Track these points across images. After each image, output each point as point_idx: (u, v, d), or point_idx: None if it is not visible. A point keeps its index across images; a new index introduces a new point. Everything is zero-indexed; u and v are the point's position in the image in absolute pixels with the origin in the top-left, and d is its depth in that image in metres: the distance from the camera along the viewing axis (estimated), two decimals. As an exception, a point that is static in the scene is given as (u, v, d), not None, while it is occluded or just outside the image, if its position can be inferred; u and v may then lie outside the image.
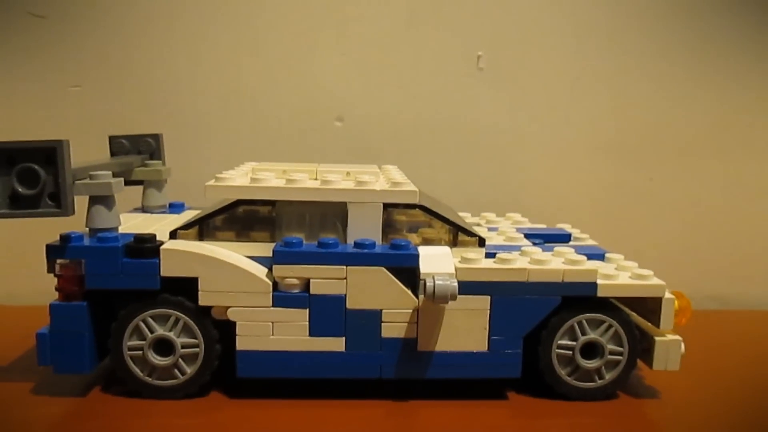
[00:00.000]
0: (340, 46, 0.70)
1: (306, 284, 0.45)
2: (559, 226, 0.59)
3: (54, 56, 0.69)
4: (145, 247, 0.44)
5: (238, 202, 0.46)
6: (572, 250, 0.48)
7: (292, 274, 0.44)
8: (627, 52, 0.72)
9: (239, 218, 0.47)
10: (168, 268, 0.44)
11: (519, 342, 0.46)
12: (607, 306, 0.46)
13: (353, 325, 0.45)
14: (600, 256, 0.50)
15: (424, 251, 0.45)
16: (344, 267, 0.44)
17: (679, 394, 0.49)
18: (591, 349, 0.46)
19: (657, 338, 0.46)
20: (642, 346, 0.47)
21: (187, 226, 0.47)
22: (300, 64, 0.70)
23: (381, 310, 0.45)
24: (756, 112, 0.73)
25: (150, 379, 0.45)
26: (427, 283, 0.43)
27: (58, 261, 0.44)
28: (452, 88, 0.71)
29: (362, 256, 0.45)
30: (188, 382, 0.46)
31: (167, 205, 0.59)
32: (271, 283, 0.45)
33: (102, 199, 0.45)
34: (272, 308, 0.45)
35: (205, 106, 0.70)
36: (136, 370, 0.45)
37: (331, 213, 0.47)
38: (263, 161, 0.62)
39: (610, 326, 0.46)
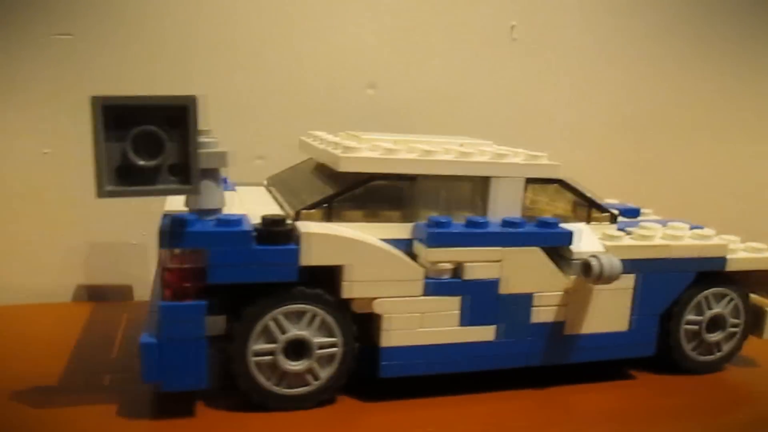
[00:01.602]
0: (373, 14, 0.64)
1: (457, 269, 0.40)
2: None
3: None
4: (282, 231, 0.36)
5: (373, 177, 0.40)
6: (687, 225, 0.48)
7: (446, 257, 0.39)
8: (646, 35, 0.73)
9: (369, 196, 0.40)
10: (309, 256, 0.37)
11: (656, 320, 0.45)
12: (729, 280, 0.47)
13: (505, 311, 0.41)
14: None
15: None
16: (500, 248, 0.40)
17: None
18: (714, 323, 0.47)
19: (769, 309, 0.48)
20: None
21: (312, 206, 0.39)
22: (332, 32, 0.63)
23: (532, 294, 0.42)
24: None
25: (278, 388, 0.38)
26: (593, 263, 0.40)
27: (174, 251, 0.35)
28: (484, 58, 0.68)
29: (518, 235, 0.41)
30: (322, 388, 0.39)
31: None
32: (423, 270, 0.39)
33: (212, 174, 0.36)
34: (422, 297, 0.39)
35: (234, 74, 0.61)
36: (262, 378, 0.38)
37: (470, 189, 0.42)
38: (296, 130, 0.56)
39: (731, 299, 0.47)
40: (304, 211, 0.39)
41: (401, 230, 0.41)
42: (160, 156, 0.33)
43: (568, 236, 0.42)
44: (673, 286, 0.45)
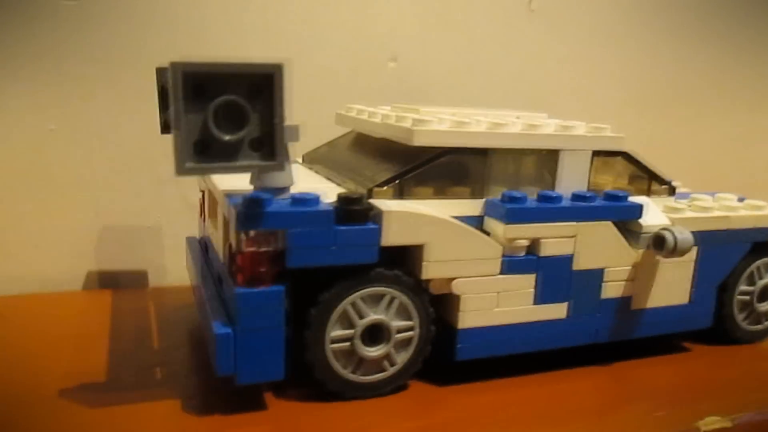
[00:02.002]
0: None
1: (532, 246, 0.39)
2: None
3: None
4: (362, 210, 0.34)
5: (444, 152, 0.38)
6: (734, 196, 0.48)
7: (524, 234, 0.38)
8: (666, 7, 0.73)
9: (439, 172, 0.38)
10: (390, 236, 0.35)
11: (714, 292, 0.45)
12: (776, 250, 0.47)
13: (577, 288, 0.40)
14: None
15: (633, 202, 0.42)
16: (574, 223, 0.39)
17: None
18: (764, 293, 0.47)
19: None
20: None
21: (384, 183, 0.37)
22: (353, 6, 0.60)
23: (603, 269, 0.41)
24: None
25: (354, 376, 0.36)
26: (667, 236, 0.40)
27: (249, 233, 0.32)
28: (502, 29, 0.66)
29: (592, 210, 0.39)
30: (399, 374, 0.37)
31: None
32: (500, 248, 0.37)
33: (283, 149, 0.34)
34: (499, 276, 0.38)
35: (250, 46, 0.57)
36: (338, 366, 0.35)
37: (538, 162, 0.41)
38: (318, 104, 0.53)
39: (775, 267, 0.47)
40: (376, 189, 0.37)
41: (471, 207, 0.39)
42: (244, 129, 0.30)
43: (639, 209, 0.41)
44: (731, 257, 0.45)
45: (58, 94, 0.53)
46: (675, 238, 0.39)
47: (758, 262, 0.46)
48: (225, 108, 0.29)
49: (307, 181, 0.41)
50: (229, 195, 0.34)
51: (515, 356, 0.40)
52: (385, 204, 0.35)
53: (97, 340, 0.43)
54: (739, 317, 0.47)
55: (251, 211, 0.32)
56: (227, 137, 0.29)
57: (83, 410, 0.34)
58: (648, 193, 0.44)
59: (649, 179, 0.44)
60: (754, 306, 0.47)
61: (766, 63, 0.80)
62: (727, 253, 0.44)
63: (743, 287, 0.46)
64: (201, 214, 0.48)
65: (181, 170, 0.29)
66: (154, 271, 0.58)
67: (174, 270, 0.58)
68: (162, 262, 0.58)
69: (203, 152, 0.30)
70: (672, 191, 0.45)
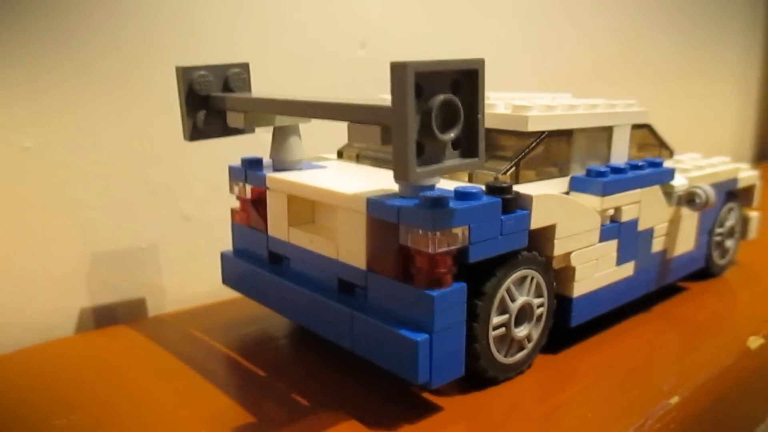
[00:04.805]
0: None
1: (615, 214, 0.43)
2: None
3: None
4: (515, 198, 0.35)
5: (546, 135, 0.40)
6: (698, 155, 0.57)
7: (614, 204, 0.42)
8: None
9: (537, 155, 0.40)
10: (537, 219, 0.36)
11: (707, 236, 0.54)
12: (735, 196, 0.57)
13: (640, 246, 0.45)
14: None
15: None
16: (640, 190, 0.44)
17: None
18: (730, 233, 0.57)
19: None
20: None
21: (506, 170, 0.38)
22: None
23: (653, 228, 0.46)
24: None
25: (506, 359, 0.37)
26: (699, 193, 0.47)
27: (437, 234, 0.31)
28: (472, 11, 0.69)
29: (649, 177, 0.45)
30: (534, 349, 0.39)
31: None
32: (600, 218, 0.41)
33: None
34: (599, 244, 0.41)
35: (219, 34, 0.52)
36: (497, 352, 0.36)
37: (598, 139, 0.45)
38: (287, 88, 0.52)
39: (733, 210, 0.57)
40: (501, 176, 0.38)
41: (561, 184, 0.42)
42: (456, 127, 0.29)
43: (673, 173, 0.47)
44: (718, 207, 0.54)
45: (32, 106, 0.43)
46: (706, 194, 0.47)
47: (725, 207, 0.56)
48: (445, 107, 0.28)
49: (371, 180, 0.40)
50: (373, 198, 0.33)
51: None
52: (529, 189, 0.36)
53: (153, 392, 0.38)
54: (715, 254, 0.56)
55: (441, 211, 0.31)
56: (445, 137, 0.28)
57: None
58: (659, 156, 0.51)
59: (660, 146, 0.51)
60: (724, 244, 0.57)
61: (724, 45, 0.96)
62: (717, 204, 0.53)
63: (718, 229, 0.56)
64: (249, 223, 0.44)
65: (412, 176, 0.27)
66: (152, 296, 0.51)
67: (173, 291, 0.52)
68: (161, 284, 0.52)
69: (420, 154, 0.28)
70: (671, 155, 0.53)
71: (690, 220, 0.50)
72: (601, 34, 0.89)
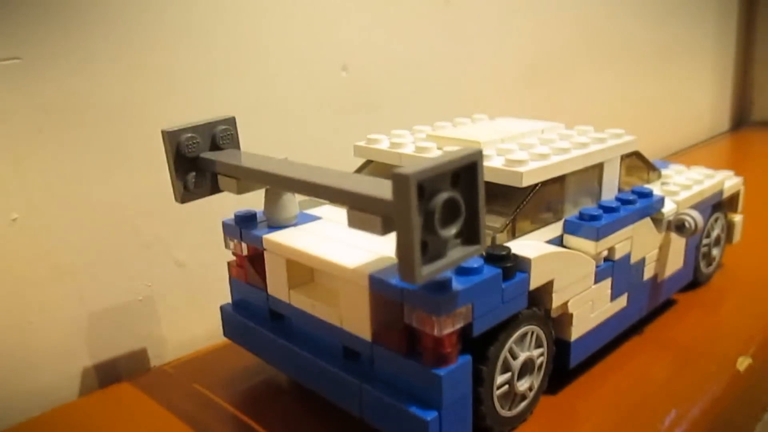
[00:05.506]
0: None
1: (608, 253, 0.44)
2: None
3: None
4: (515, 263, 0.35)
5: (540, 186, 0.40)
6: (682, 167, 0.58)
7: (608, 245, 0.43)
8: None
9: (531, 204, 0.41)
10: (536, 280, 0.37)
11: (695, 252, 0.55)
12: (720, 206, 0.58)
13: (632, 278, 0.46)
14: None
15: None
16: (632, 226, 0.45)
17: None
18: (717, 241, 0.58)
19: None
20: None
21: (503, 227, 0.38)
22: (302, 16, 0.57)
23: (645, 257, 0.47)
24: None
25: (510, 412, 0.38)
26: (688, 221, 0.47)
27: (446, 317, 0.32)
28: (420, 24, 0.68)
29: (640, 211, 0.45)
30: (535, 396, 0.40)
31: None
32: (594, 261, 0.42)
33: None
34: (594, 287, 0.42)
35: (201, 57, 0.51)
36: (501, 409, 0.37)
37: (590, 175, 0.45)
38: (267, 115, 0.53)
39: (718, 219, 0.59)
40: (498, 235, 0.38)
41: (555, 229, 0.42)
42: (457, 221, 0.29)
43: (663, 201, 0.48)
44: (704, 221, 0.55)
45: (15, 176, 0.43)
46: (695, 221, 0.47)
47: (711, 218, 0.57)
48: (447, 205, 0.28)
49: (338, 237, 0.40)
50: (376, 276, 0.33)
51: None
52: (526, 251, 0.37)
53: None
54: (702, 264, 0.58)
55: (447, 294, 0.32)
56: (448, 233, 0.29)
57: None
58: (648, 181, 0.52)
59: (648, 169, 0.52)
60: (710, 253, 0.58)
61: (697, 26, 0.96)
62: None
63: (705, 240, 0.57)
64: (247, 279, 0.44)
65: (419, 278, 0.28)
66: (153, 347, 0.51)
67: (173, 338, 0.52)
68: (160, 333, 0.52)
69: (424, 253, 0.28)
70: (659, 176, 0.53)
71: (679, 241, 0.52)
72: (583, 17, 0.89)
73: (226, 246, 0.45)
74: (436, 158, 0.28)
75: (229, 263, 0.46)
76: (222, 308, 0.46)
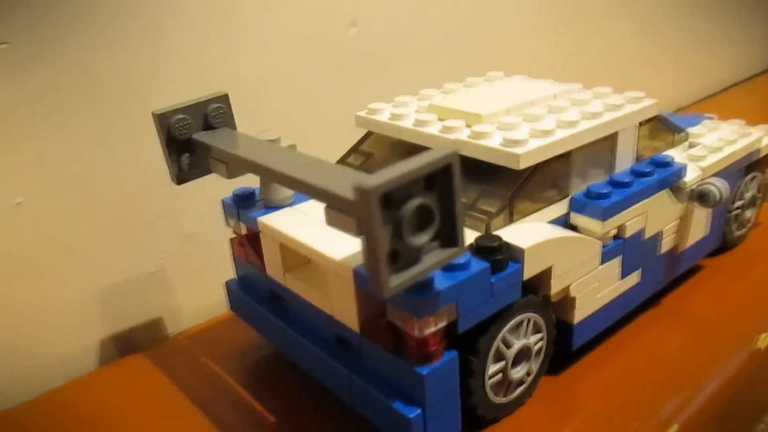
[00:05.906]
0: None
1: (618, 231, 0.41)
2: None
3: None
4: (507, 255, 0.34)
5: (541, 165, 0.38)
6: (721, 122, 0.53)
7: (616, 224, 0.40)
8: None
9: (533, 184, 0.38)
10: (530, 269, 0.35)
11: (723, 218, 0.52)
12: (758, 164, 0.54)
13: (645, 254, 0.44)
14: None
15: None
16: (646, 201, 0.42)
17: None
18: (752, 203, 0.55)
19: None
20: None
21: (499, 212, 0.37)
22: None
23: (662, 231, 0.45)
24: None
25: (505, 398, 0.38)
26: (712, 191, 0.44)
27: (427, 318, 0.31)
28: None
29: (656, 184, 0.43)
30: (534, 380, 0.39)
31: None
32: (599, 242, 0.40)
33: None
34: (600, 267, 0.40)
35: (207, 14, 0.49)
36: (494, 396, 0.37)
37: (602, 146, 0.42)
38: (271, 75, 0.51)
39: (755, 178, 0.55)
40: (494, 221, 0.36)
41: (560, 207, 0.40)
42: (430, 227, 0.28)
43: (684, 170, 0.45)
44: (733, 183, 0.51)
45: (17, 160, 0.43)
46: (719, 191, 0.44)
47: (746, 179, 0.53)
48: (419, 212, 0.27)
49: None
50: (360, 271, 0.33)
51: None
52: (520, 240, 0.35)
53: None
54: (732, 228, 0.54)
55: (428, 295, 0.31)
56: (420, 240, 0.27)
57: None
58: (672, 144, 0.48)
59: (672, 132, 0.48)
60: (742, 215, 0.54)
61: None
62: (731, 181, 0.50)
63: (736, 203, 0.53)
64: (247, 258, 0.44)
65: (387, 291, 0.27)
66: (169, 316, 0.53)
67: (188, 307, 0.54)
68: (175, 303, 0.53)
69: (394, 262, 0.27)
70: (686, 137, 0.49)
71: (703, 209, 0.48)
72: None
73: (227, 224, 0.45)
74: (406, 163, 0.26)
75: (231, 240, 0.46)
76: (227, 284, 0.47)
